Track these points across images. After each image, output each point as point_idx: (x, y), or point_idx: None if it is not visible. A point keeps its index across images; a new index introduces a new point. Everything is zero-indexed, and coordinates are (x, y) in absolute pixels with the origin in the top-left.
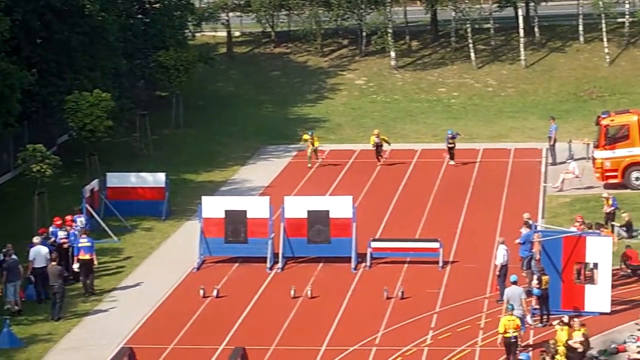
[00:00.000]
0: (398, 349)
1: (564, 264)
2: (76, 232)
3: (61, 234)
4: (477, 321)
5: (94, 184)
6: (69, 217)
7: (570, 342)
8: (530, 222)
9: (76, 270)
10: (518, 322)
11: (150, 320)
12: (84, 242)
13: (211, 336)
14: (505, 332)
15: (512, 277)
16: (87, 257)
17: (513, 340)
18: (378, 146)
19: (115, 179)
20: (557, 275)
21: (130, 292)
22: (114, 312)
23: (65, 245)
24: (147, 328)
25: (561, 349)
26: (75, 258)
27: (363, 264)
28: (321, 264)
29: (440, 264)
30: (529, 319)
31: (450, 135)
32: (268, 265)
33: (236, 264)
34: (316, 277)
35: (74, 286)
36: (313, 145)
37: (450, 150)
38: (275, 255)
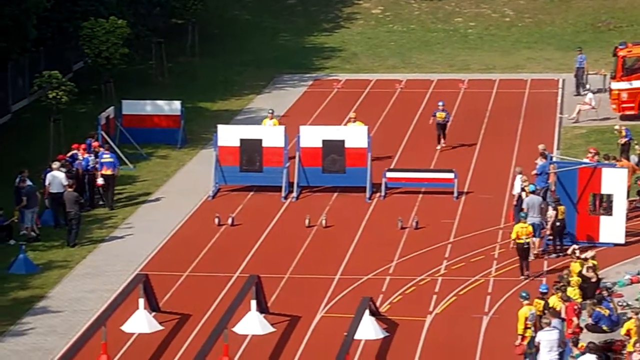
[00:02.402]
0: (412, 278)
1: (579, 195)
2: (90, 159)
3: (80, 158)
4: (491, 252)
5: (110, 111)
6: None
7: (583, 272)
8: (546, 153)
9: (100, 184)
10: (530, 229)
11: (165, 248)
12: (106, 157)
13: (226, 264)
14: (518, 238)
15: (531, 187)
16: (109, 172)
17: (526, 246)
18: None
19: (130, 107)
20: (572, 206)
21: (146, 219)
22: (130, 239)
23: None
24: (162, 255)
25: (575, 280)
26: (99, 173)
27: (378, 194)
28: (336, 194)
29: (455, 194)
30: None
31: (441, 107)
32: (283, 194)
33: (251, 193)
34: (331, 206)
35: (90, 213)
36: None
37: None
38: (290, 184)
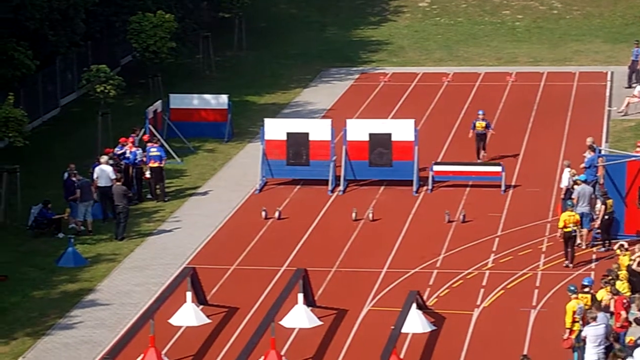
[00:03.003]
0: (459, 272)
1: (627, 188)
2: (137, 153)
3: (127, 153)
4: (539, 245)
5: (157, 105)
6: (130, 139)
7: (632, 266)
8: (594, 146)
9: (148, 177)
10: (577, 217)
11: (212, 241)
12: (153, 151)
13: (273, 257)
14: (565, 226)
15: (581, 177)
16: (156, 164)
17: (573, 234)
18: None
19: (178, 101)
20: (620, 199)
21: (193, 212)
22: (177, 232)
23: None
24: (209, 248)
25: (623, 274)
26: (147, 166)
27: (425, 188)
28: (383, 187)
29: (503, 187)
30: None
31: (481, 116)
32: (330, 187)
33: (298, 186)
34: (377, 200)
35: (138, 206)
36: None
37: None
38: (337, 178)
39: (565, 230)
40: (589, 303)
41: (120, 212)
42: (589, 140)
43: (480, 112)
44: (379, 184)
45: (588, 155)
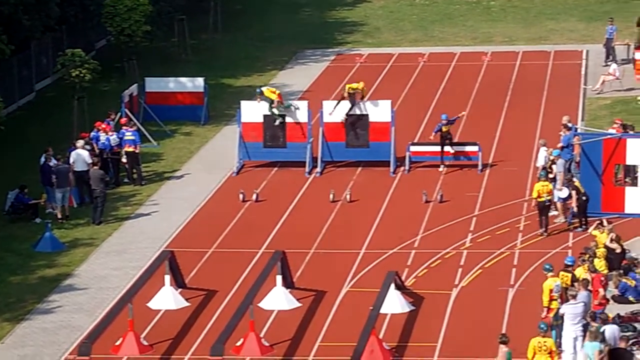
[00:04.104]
0: (437, 251)
1: (603, 166)
2: (110, 138)
3: (102, 137)
4: (516, 224)
5: (133, 88)
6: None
7: (607, 243)
8: (570, 124)
9: (124, 162)
10: (550, 187)
11: (190, 224)
12: (128, 135)
13: (251, 240)
14: (539, 196)
15: (555, 152)
16: (131, 149)
17: (547, 203)
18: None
19: (154, 84)
20: (597, 177)
21: (170, 196)
22: (155, 216)
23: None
24: (187, 232)
25: (601, 251)
26: (122, 151)
27: (402, 168)
28: (360, 168)
29: (480, 167)
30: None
31: (445, 121)
32: (307, 169)
33: (275, 169)
34: (355, 181)
35: (115, 190)
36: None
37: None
38: (314, 160)
39: (539, 200)
40: (569, 282)
41: (98, 197)
42: (564, 119)
43: (444, 117)
44: (356, 165)
45: (563, 134)
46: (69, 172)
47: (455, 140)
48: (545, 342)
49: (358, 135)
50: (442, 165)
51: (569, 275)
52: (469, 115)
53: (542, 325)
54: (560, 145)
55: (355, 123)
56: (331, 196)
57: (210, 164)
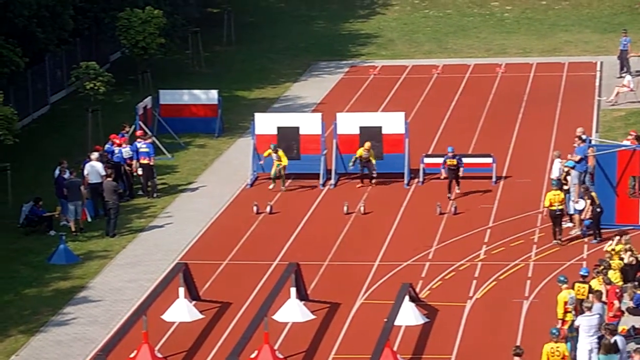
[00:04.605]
0: (451, 264)
1: (618, 178)
2: (123, 150)
3: (116, 150)
4: (530, 236)
5: (147, 101)
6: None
7: (622, 256)
8: (584, 136)
9: (139, 174)
10: (562, 196)
11: (204, 236)
12: (142, 147)
13: (265, 252)
14: (551, 205)
15: (569, 163)
16: (146, 161)
17: (558, 213)
18: (367, 162)
19: (168, 96)
20: (611, 189)
21: (185, 208)
22: (169, 228)
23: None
24: (201, 244)
25: (616, 263)
26: (137, 162)
27: (416, 180)
28: (374, 180)
29: (494, 179)
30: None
31: (450, 154)
32: (321, 181)
33: (289, 181)
34: (369, 193)
35: (129, 203)
36: (280, 161)
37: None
38: (328, 172)
39: (551, 209)
40: (586, 293)
41: (111, 208)
42: (578, 131)
43: (450, 149)
44: (370, 177)
45: (577, 145)
46: (81, 186)
47: (470, 151)
48: (557, 347)
49: (372, 147)
50: (451, 194)
51: (586, 286)
52: (483, 127)
53: (554, 331)
54: (571, 156)
55: (369, 135)
56: (345, 208)
57: (224, 176)
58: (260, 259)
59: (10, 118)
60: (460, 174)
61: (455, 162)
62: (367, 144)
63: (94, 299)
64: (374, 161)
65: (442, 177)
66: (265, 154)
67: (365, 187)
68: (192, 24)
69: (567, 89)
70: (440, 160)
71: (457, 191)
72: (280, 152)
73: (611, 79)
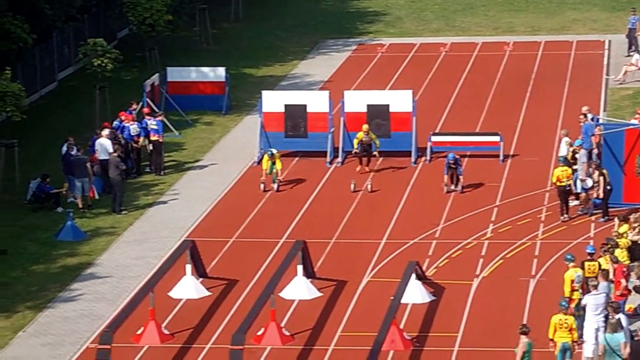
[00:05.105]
0: (458, 242)
1: (625, 157)
2: (130, 127)
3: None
4: (537, 214)
5: (155, 78)
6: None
7: (629, 235)
8: (589, 114)
9: (149, 151)
10: (570, 172)
11: (211, 214)
12: (152, 124)
13: (272, 229)
14: (559, 181)
15: (577, 142)
16: (155, 138)
17: (567, 188)
18: (367, 146)
19: (175, 74)
20: (619, 168)
21: (192, 185)
22: (176, 205)
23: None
24: (208, 221)
25: (623, 242)
26: (145, 139)
27: (423, 158)
28: (381, 158)
29: (501, 157)
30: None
31: (452, 161)
32: (328, 159)
33: (296, 158)
34: (375, 171)
35: (136, 180)
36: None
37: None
38: (335, 150)
39: (559, 184)
40: (596, 271)
41: (113, 184)
42: (584, 109)
43: (451, 156)
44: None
45: (583, 123)
46: (87, 163)
47: (477, 130)
48: (566, 319)
49: (379, 125)
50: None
51: (596, 264)
52: (491, 105)
53: (563, 303)
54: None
55: (377, 113)
56: (352, 186)
57: (231, 154)
58: (267, 237)
59: (18, 94)
60: (460, 176)
61: (456, 169)
62: (365, 127)
63: (101, 275)
64: (377, 142)
65: (444, 186)
66: (265, 166)
67: (371, 166)
68: (199, 1)
69: (575, 67)
70: (448, 138)
71: (462, 181)
72: (277, 158)
73: (619, 58)
